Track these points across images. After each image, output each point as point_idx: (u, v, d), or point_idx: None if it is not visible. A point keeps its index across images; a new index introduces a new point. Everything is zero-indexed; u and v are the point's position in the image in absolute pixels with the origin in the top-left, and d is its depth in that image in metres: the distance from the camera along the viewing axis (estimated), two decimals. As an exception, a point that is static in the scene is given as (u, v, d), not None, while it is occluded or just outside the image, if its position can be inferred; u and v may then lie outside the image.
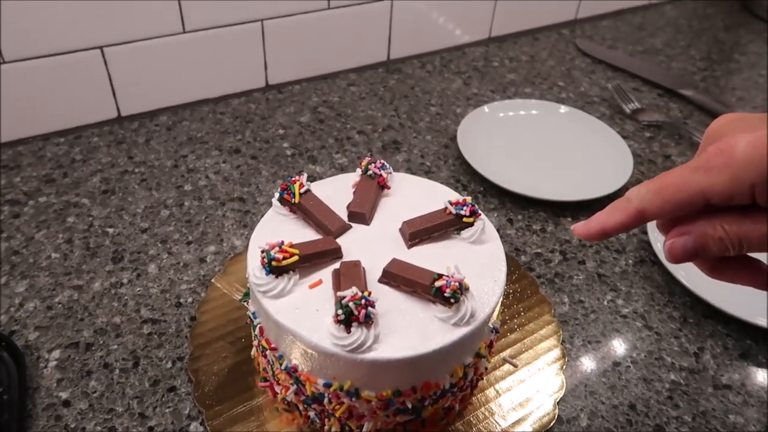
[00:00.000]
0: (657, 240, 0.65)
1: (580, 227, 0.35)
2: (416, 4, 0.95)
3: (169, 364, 0.53)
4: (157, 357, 0.54)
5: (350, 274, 0.45)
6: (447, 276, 0.43)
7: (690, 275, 0.62)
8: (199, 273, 0.62)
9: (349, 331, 0.41)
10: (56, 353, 0.53)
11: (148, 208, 0.69)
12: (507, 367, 0.54)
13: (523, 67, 1.01)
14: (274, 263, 0.44)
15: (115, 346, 0.54)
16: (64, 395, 0.50)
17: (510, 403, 0.51)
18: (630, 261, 0.66)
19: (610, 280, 0.64)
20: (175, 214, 0.68)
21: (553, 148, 0.81)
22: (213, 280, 0.60)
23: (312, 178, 0.73)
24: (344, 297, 0.41)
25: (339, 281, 0.44)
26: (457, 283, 0.42)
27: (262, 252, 0.44)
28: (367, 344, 0.41)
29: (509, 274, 0.63)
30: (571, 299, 0.62)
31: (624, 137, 0.83)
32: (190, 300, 0.59)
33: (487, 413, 0.50)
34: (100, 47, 0.75)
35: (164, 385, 0.52)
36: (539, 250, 0.67)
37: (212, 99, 0.87)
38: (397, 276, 0.45)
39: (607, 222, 0.33)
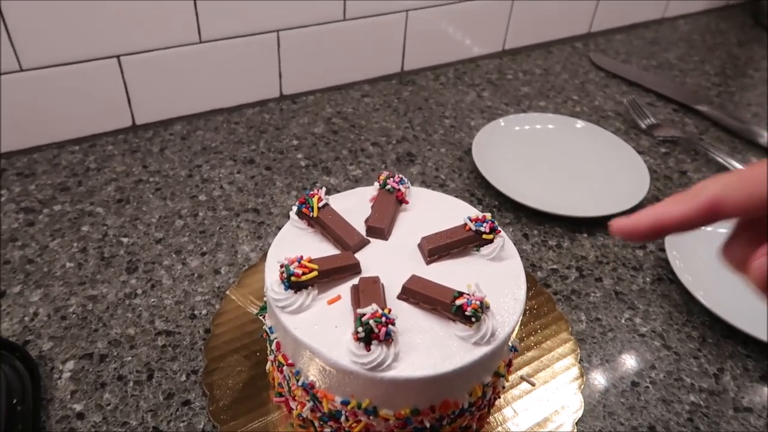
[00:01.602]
0: (675, 258, 0.64)
1: (621, 222, 0.29)
2: (430, 16, 0.95)
3: (184, 377, 0.53)
4: (171, 370, 0.53)
5: (369, 291, 0.44)
6: (468, 294, 0.43)
7: (708, 294, 0.61)
8: (214, 284, 0.61)
9: (369, 349, 0.40)
10: (70, 364, 0.53)
11: (162, 217, 0.69)
12: (524, 385, 0.53)
13: (537, 80, 1.01)
14: (293, 278, 0.43)
15: (129, 358, 0.54)
16: (78, 407, 0.50)
17: (528, 423, 0.50)
18: (647, 279, 0.65)
19: (628, 297, 0.63)
20: (190, 225, 0.68)
21: (569, 162, 0.81)
22: (228, 292, 0.60)
23: (326, 190, 0.73)
24: (364, 314, 0.41)
25: (358, 297, 0.44)
26: (478, 302, 0.42)
27: (281, 267, 0.44)
28: (387, 362, 0.41)
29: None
30: (588, 317, 0.61)
31: (639, 152, 0.82)
32: (204, 312, 0.58)
33: (504, 433, 0.50)
34: (117, 56, 0.75)
35: (178, 398, 0.51)
36: (555, 267, 0.66)
37: (227, 108, 0.87)
38: (416, 293, 0.45)
39: (665, 213, 0.27)
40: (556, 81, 1.01)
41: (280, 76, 0.88)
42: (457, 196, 0.73)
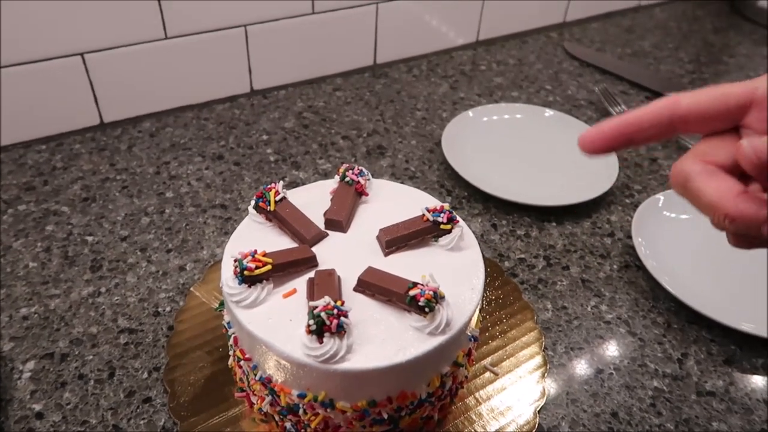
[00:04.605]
0: (641, 245, 0.65)
1: (586, 133, 0.31)
2: (402, 8, 0.94)
3: (145, 375, 0.52)
4: (133, 367, 0.53)
5: (324, 283, 0.44)
6: (422, 284, 0.42)
7: (674, 280, 0.61)
8: (179, 281, 0.61)
9: (321, 342, 0.40)
10: (30, 364, 0.53)
11: (128, 215, 0.68)
12: (488, 375, 0.53)
13: (511, 70, 1.01)
14: (246, 272, 0.43)
15: (91, 357, 0.54)
16: (37, 407, 0.50)
17: (490, 411, 0.51)
18: (614, 266, 0.66)
19: (594, 285, 0.63)
20: (156, 222, 0.68)
21: (538, 152, 0.81)
22: (192, 289, 0.59)
23: (295, 184, 0.73)
24: (316, 307, 0.41)
25: (313, 290, 0.44)
26: (431, 292, 0.42)
27: (235, 261, 0.44)
28: (340, 354, 0.40)
29: (492, 280, 0.62)
30: (554, 305, 0.61)
31: (610, 141, 0.82)
32: (168, 309, 0.58)
33: (466, 422, 0.50)
34: (81, 54, 0.75)
35: (139, 396, 0.51)
36: (523, 256, 0.66)
37: (196, 105, 0.86)
38: (372, 285, 0.44)
39: (628, 115, 0.30)
40: (530, 71, 1.01)
41: (250, 71, 0.88)
42: (427, 188, 0.73)
